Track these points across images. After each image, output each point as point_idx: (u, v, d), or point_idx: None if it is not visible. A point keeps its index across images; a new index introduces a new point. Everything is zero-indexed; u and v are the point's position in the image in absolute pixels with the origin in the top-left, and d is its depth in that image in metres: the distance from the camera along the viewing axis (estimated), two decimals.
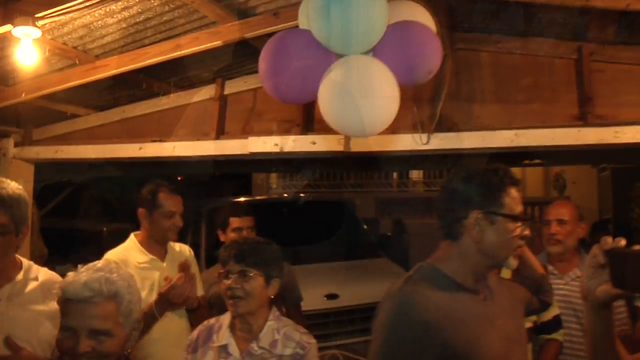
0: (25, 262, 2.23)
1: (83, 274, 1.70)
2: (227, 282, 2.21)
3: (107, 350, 1.67)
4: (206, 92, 4.61)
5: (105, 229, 7.73)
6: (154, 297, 2.70)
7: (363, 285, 4.21)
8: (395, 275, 2.62)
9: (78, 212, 9.47)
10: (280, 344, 2.21)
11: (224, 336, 2.24)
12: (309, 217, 6.19)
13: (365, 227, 6.98)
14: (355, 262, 5.24)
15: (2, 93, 4.18)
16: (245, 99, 4.50)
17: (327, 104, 2.35)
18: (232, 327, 2.26)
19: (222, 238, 3.35)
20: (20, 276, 2.16)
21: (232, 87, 4.55)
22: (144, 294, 2.88)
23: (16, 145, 5.12)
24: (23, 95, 4.08)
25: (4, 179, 2.12)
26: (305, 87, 2.40)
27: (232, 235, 3.27)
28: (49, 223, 6.51)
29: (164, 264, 3.02)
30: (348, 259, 4.70)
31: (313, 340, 2.26)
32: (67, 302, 1.68)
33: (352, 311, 3.82)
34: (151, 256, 2.98)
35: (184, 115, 4.66)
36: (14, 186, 2.10)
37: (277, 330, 2.25)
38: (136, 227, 3.14)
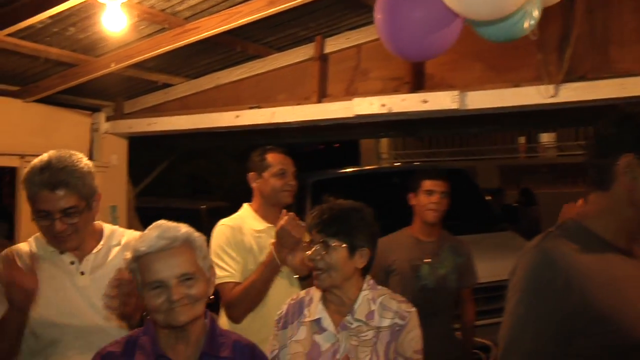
0: (107, 228, 2.42)
1: (149, 232, 1.89)
2: (309, 253, 2.25)
3: (197, 293, 1.87)
4: (305, 52, 4.66)
5: (203, 207, 8.08)
6: None
7: (486, 262, 4.12)
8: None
9: (174, 190, 9.96)
10: (377, 315, 2.24)
11: (316, 310, 2.30)
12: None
13: (488, 197, 6.83)
14: (477, 237, 5.14)
15: (90, 65, 4.44)
16: (348, 56, 4.51)
17: None
18: (324, 300, 2.31)
19: (412, 201, 3.57)
20: (100, 245, 2.35)
21: (333, 44, 4.57)
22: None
23: (108, 119, 5.45)
24: (112, 65, 4.32)
25: (62, 152, 2.25)
26: (431, 39, 2.34)
27: (422, 198, 3.49)
28: (143, 202, 6.90)
29: None
30: (469, 233, 4.62)
31: (413, 309, 2.27)
32: (147, 256, 1.86)
33: (474, 291, 3.77)
34: (267, 224, 3.09)
35: (282, 79, 4.75)
36: (74, 160, 2.23)
37: (372, 300, 2.27)
38: (234, 205, 3.27)
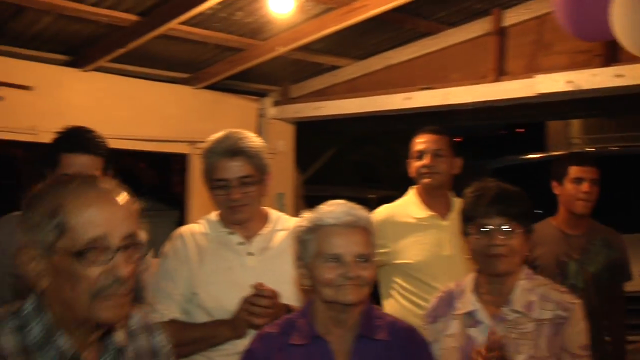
0: (274, 213, 2.67)
1: (334, 206, 2.07)
2: (486, 238, 2.25)
3: (368, 276, 2.03)
4: (481, 26, 4.64)
5: (373, 196, 8.24)
6: (432, 259, 3.09)
7: None
8: None
9: (341, 178, 10.22)
10: (536, 306, 2.24)
11: (468, 302, 2.33)
12: (626, 176, 6.01)
13: None
14: None
15: (257, 49, 4.75)
16: (529, 29, 4.43)
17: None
18: (476, 291, 2.34)
19: (556, 191, 3.51)
20: (268, 228, 2.60)
21: (512, 16, 4.52)
22: (418, 253, 3.16)
23: (275, 104, 5.76)
24: (279, 48, 4.58)
25: (240, 130, 2.55)
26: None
27: (569, 187, 3.42)
28: (310, 190, 7.18)
29: (445, 223, 3.24)
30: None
31: (577, 300, 2.25)
32: (330, 228, 2.03)
33: (628, 300, 3.54)
34: (430, 212, 3.21)
35: (455, 56, 4.77)
36: (251, 136, 2.53)
37: (530, 290, 2.27)
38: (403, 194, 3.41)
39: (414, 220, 3.24)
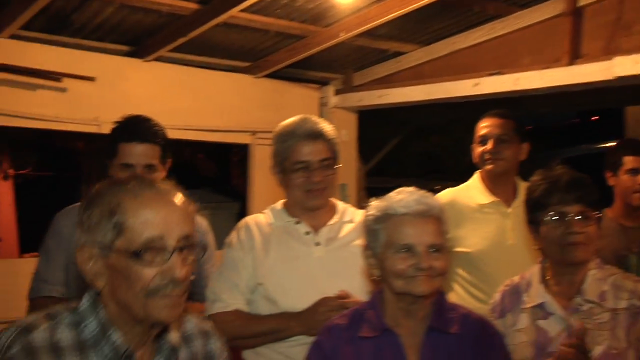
0: (340, 204, 2.68)
1: (403, 195, 2.05)
2: (563, 226, 2.22)
3: (441, 267, 2.01)
4: (554, 7, 4.55)
5: (437, 188, 8.18)
6: (494, 249, 3.05)
7: None
8: None
9: (405, 170, 10.19)
10: (610, 296, 2.20)
11: (537, 294, 2.30)
12: None
13: None
14: None
15: (319, 36, 4.77)
16: (607, 8, 4.32)
17: None
18: (545, 282, 2.31)
19: (611, 182, 3.45)
20: (335, 219, 2.61)
21: None
22: (478, 241, 3.14)
23: (337, 92, 5.78)
24: (341, 34, 4.58)
25: (316, 117, 2.61)
26: None
27: (624, 178, 3.37)
28: (373, 182, 7.18)
29: (509, 210, 3.19)
30: None
31: None
32: (401, 218, 2.02)
33: None
34: (494, 198, 3.19)
35: (526, 40, 4.69)
36: (326, 123, 2.58)
37: (602, 280, 2.23)
38: None
39: (476, 206, 3.20)
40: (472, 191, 3.26)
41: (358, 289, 2.45)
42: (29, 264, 4.16)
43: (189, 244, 1.56)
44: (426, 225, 2.02)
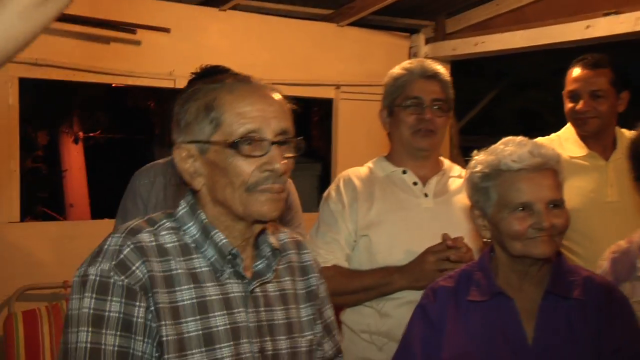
0: (446, 161, 2.73)
1: (513, 147, 1.97)
2: None
3: (563, 224, 1.95)
4: None
5: None
6: (591, 207, 2.98)
7: None
8: None
9: (501, 127, 9.99)
10: None
11: None
12: None
13: None
14: None
15: None
16: None
17: None
18: None
19: None
20: (441, 173, 2.64)
21: None
22: (572, 198, 3.05)
23: (427, 41, 5.65)
24: None
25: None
26: None
27: None
28: (467, 141, 7.07)
29: (607, 163, 3.10)
30: None
31: None
32: (514, 174, 1.94)
33: None
34: (589, 150, 3.10)
35: None
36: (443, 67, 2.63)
37: None
38: None
39: (569, 159, 3.05)
40: (565, 142, 3.15)
41: (471, 245, 2.42)
42: (102, 225, 4.28)
43: (287, 139, 1.61)
44: (543, 179, 1.94)
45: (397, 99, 2.57)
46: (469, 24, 5.48)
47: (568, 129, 3.21)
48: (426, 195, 2.57)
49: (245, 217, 1.61)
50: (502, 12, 5.24)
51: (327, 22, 5.28)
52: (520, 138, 2.03)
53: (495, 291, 1.99)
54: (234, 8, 4.78)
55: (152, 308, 1.52)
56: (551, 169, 1.97)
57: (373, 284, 2.47)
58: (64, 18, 4.08)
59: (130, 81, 4.53)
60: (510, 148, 1.97)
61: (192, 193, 1.67)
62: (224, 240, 1.62)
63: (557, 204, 1.94)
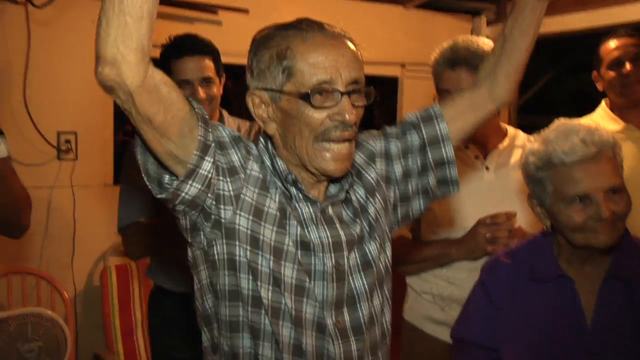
0: (511, 129, 2.58)
1: (564, 134, 1.83)
2: None
3: (624, 209, 1.81)
4: None
5: None
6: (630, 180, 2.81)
7: None
8: None
9: (558, 108, 9.72)
10: None
11: None
12: None
13: None
14: None
15: None
16: None
17: None
18: None
19: None
20: (505, 143, 2.52)
21: None
22: None
23: (489, 23, 5.52)
24: None
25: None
26: None
27: None
28: (523, 119, 6.90)
29: None
30: None
31: None
32: (570, 166, 1.80)
33: None
34: (624, 123, 2.99)
35: None
36: (480, 41, 2.44)
37: None
38: None
39: None
40: (600, 121, 2.98)
41: (527, 218, 2.34)
42: None
43: (358, 89, 1.56)
44: (600, 167, 1.79)
45: (437, 86, 2.48)
46: None
47: (601, 109, 3.10)
48: (487, 168, 2.48)
49: (311, 168, 1.58)
50: None
51: (394, 5, 5.21)
52: (572, 123, 1.89)
53: (556, 272, 1.89)
54: None
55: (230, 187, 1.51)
56: (608, 155, 1.82)
57: (432, 256, 2.44)
58: None
59: None
60: (562, 138, 1.83)
61: (266, 136, 1.65)
62: (284, 167, 1.59)
63: (616, 189, 1.79)
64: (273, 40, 1.55)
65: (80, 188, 3.90)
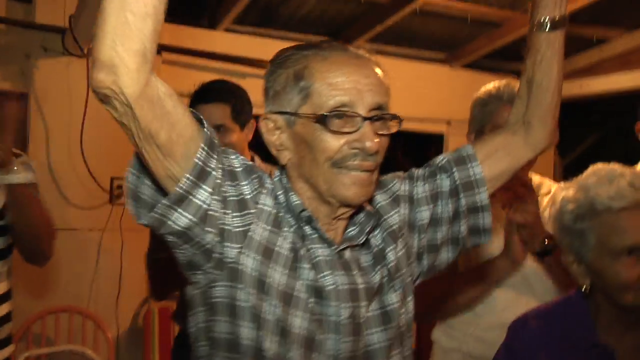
0: (536, 177, 2.38)
1: (608, 178, 1.60)
2: None
3: None
4: None
5: None
6: None
7: None
8: None
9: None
10: None
11: None
12: None
13: None
14: None
15: (516, 22, 4.46)
16: None
17: None
18: None
19: None
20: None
21: None
22: None
23: None
24: None
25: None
26: None
27: None
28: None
29: None
30: None
31: None
32: (617, 213, 1.56)
33: None
34: None
35: None
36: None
37: None
38: None
39: None
40: None
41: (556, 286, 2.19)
42: None
43: (382, 116, 1.35)
44: None
45: (484, 126, 2.26)
46: (574, 68, 5.22)
47: None
48: None
49: (329, 197, 1.36)
50: (606, 56, 4.99)
51: (441, 64, 5.19)
52: (614, 166, 1.64)
53: (594, 342, 1.62)
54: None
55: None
56: None
57: (482, 276, 2.20)
58: (206, 54, 4.20)
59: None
60: (605, 182, 1.58)
61: (281, 168, 1.44)
62: (297, 202, 1.37)
63: None
64: (290, 60, 1.37)
65: (129, 231, 3.90)
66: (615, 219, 1.55)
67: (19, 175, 2.33)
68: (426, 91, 5.07)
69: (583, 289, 1.67)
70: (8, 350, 2.37)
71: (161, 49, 4.01)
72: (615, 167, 1.64)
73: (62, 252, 3.91)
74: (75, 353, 3.42)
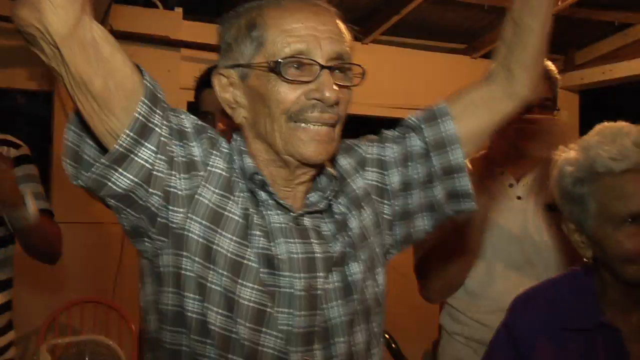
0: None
1: (612, 137, 1.43)
2: None
3: None
4: None
5: None
6: None
7: None
8: None
9: None
10: None
11: None
12: None
13: None
14: None
15: None
16: None
17: None
18: None
19: None
20: (540, 167, 2.18)
21: None
22: None
23: (558, 72, 5.28)
24: (558, 4, 4.14)
25: None
26: None
27: None
28: None
29: None
30: None
31: None
32: (620, 176, 1.39)
33: None
34: None
35: None
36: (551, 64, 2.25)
37: None
38: None
39: None
40: None
41: (558, 255, 2.10)
42: None
43: (342, 65, 1.23)
44: None
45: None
46: (597, 55, 5.09)
47: None
48: (519, 197, 2.18)
49: (286, 156, 1.23)
50: (630, 41, 4.81)
51: (461, 54, 5.09)
52: (621, 124, 1.44)
53: (598, 320, 1.45)
54: (375, 42, 4.72)
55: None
56: None
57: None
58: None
59: None
60: (607, 142, 1.40)
61: (238, 131, 1.31)
62: (250, 164, 1.24)
63: None
64: (243, 10, 1.26)
65: None
66: (617, 182, 1.38)
67: (31, 212, 2.07)
68: (447, 82, 4.95)
69: (586, 263, 1.53)
70: (7, 337, 2.34)
71: (181, 45, 3.99)
72: (622, 124, 1.46)
73: (87, 245, 3.92)
74: (99, 344, 3.39)
